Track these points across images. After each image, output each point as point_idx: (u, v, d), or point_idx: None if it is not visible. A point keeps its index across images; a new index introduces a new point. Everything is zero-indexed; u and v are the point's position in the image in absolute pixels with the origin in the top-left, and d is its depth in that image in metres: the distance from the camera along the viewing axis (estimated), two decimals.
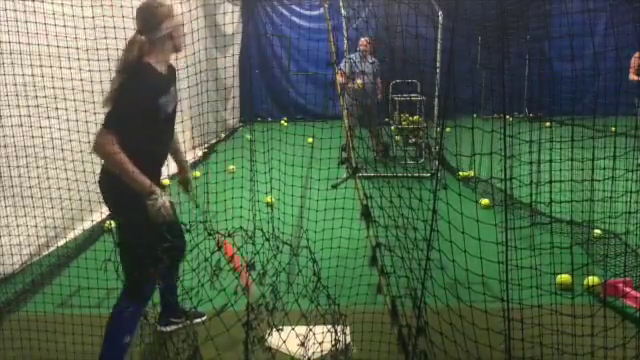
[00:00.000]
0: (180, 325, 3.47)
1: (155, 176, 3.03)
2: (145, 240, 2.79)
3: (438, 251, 2.76)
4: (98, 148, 2.75)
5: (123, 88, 2.81)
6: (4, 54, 3.87)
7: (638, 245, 4.03)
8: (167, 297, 3.45)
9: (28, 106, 4.03)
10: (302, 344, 2.92)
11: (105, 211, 5.16)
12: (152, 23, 2.91)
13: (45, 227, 4.30)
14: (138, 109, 2.81)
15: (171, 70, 3.13)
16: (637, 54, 7.77)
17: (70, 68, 3.59)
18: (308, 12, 13.84)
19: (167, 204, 2.83)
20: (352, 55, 8.53)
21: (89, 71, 3.90)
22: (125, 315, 2.90)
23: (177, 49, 3.07)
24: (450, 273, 2.75)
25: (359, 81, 8.04)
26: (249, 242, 2.81)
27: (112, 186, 2.92)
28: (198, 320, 3.43)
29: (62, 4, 3.78)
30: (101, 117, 2.81)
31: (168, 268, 3.06)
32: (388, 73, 8.61)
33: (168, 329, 3.50)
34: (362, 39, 8.54)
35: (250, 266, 2.82)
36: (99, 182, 2.99)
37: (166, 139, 3.13)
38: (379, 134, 8.41)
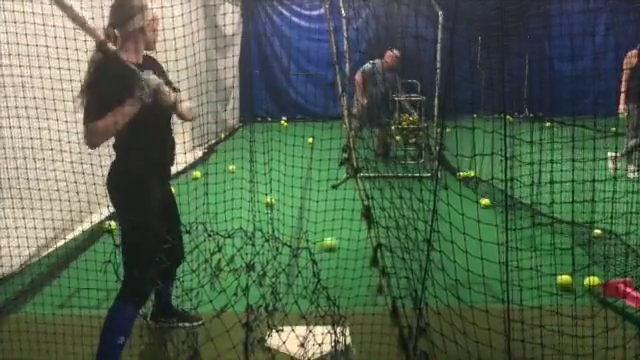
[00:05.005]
0: (170, 325, 3.48)
1: (159, 167, 3.03)
2: (146, 241, 2.79)
3: (439, 251, 2.75)
4: (90, 143, 2.77)
5: (92, 82, 2.77)
6: (4, 54, 3.86)
7: (639, 245, 4.02)
8: (161, 298, 3.45)
9: (27, 107, 4.02)
10: (302, 345, 2.92)
11: (105, 212, 5.16)
12: (123, 16, 2.82)
13: (44, 228, 4.29)
14: (109, 101, 2.72)
15: (150, 63, 3.01)
16: (629, 53, 7.03)
17: (69, 69, 3.58)
18: (308, 12, 13.84)
19: (153, 76, 2.76)
20: (375, 61, 8.43)
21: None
22: (121, 316, 2.88)
23: (149, 46, 2.96)
24: (451, 273, 2.75)
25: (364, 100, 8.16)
26: (249, 243, 2.81)
27: (118, 185, 2.90)
28: (196, 323, 3.44)
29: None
30: None
31: (167, 270, 3.06)
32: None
33: (157, 326, 3.50)
34: (389, 52, 8.28)
35: (250, 267, 2.81)
36: (107, 181, 2.95)
37: (155, 128, 2.96)
38: (385, 136, 8.42)
